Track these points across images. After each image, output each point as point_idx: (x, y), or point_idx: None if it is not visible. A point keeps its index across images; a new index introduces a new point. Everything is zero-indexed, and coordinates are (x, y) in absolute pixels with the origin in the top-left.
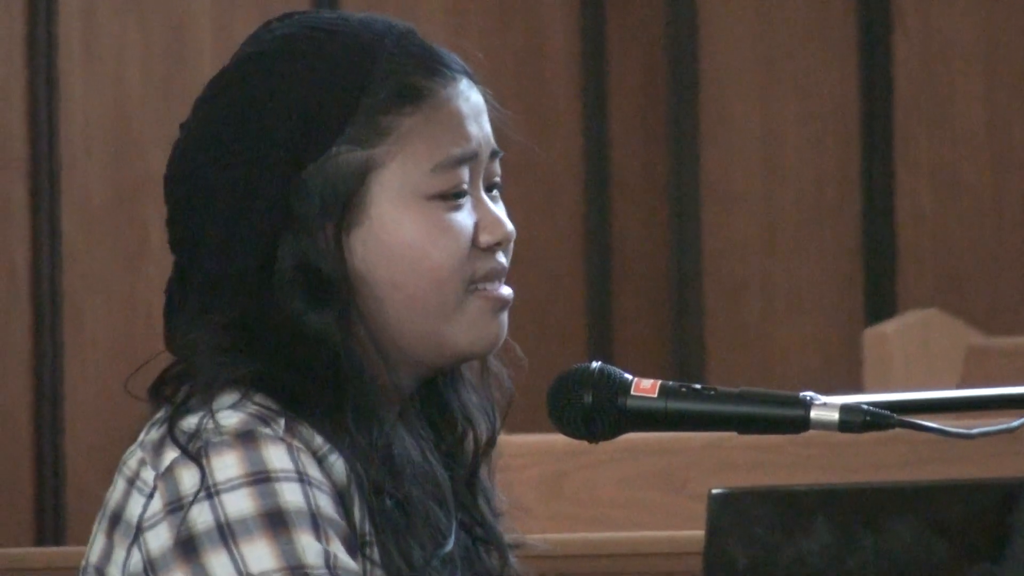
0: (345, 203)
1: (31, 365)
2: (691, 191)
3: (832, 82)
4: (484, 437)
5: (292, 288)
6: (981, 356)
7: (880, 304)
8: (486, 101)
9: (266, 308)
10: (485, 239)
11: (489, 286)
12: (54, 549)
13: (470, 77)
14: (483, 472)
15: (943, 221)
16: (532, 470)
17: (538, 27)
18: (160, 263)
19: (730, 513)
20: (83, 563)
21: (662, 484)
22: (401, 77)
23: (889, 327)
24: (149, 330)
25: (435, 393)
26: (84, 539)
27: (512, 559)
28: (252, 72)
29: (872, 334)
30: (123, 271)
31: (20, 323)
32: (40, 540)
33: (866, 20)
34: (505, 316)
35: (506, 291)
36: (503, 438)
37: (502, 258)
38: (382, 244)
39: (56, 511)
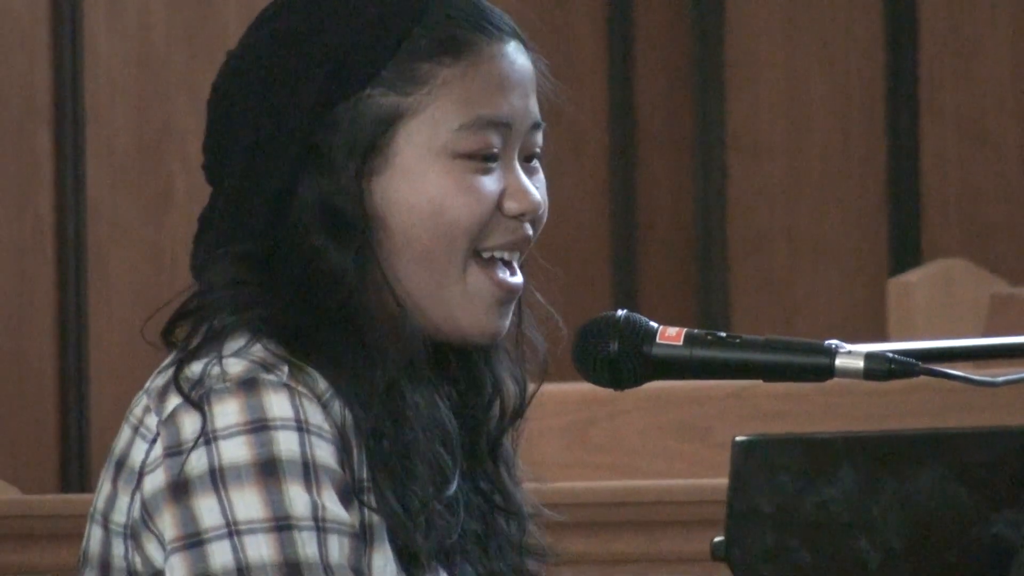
0: (370, 147)
1: (56, 315)
2: (716, 141)
3: (857, 32)
4: (511, 406)
5: (310, 223)
6: (1006, 305)
7: (905, 254)
8: (538, 71)
9: (283, 241)
10: (510, 206)
11: (506, 255)
12: (78, 496)
13: (522, 41)
14: (507, 440)
15: (968, 171)
16: (558, 419)
17: None
18: (184, 213)
19: (754, 461)
20: (91, 510)
21: (687, 432)
22: (446, 27)
23: (914, 276)
24: (173, 280)
25: (466, 356)
26: None
27: (531, 528)
28: (299, 5)
29: (897, 283)
30: (147, 221)
31: (45, 274)
32: (65, 487)
33: None
34: (508, 309)
35: (514, 280)
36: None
37: (528, 230)
38: (401, 194)
39: (80, 459)
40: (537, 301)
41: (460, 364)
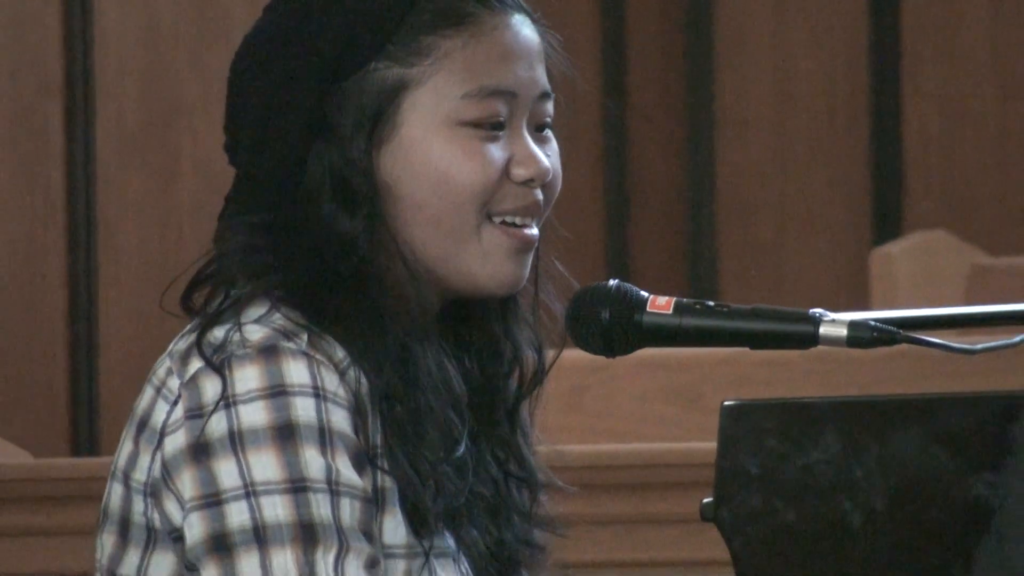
0: (376, 118)
1: (67, 284)
2: (706, 116)
3: (842, 11)
4: (529, 373)
5: (321, 194)
6: (984, 275)
7: (887, 225)
8: (549, 45)
9: (296, 211)
10: (518, 172)
11: (518, 220)
12: (89, 459)
13: (528, 15)
14: (524, 409)
15: (949, 146)
16: (552, 385)
17: None
18: (191, 186)
19: (742, 425)
20: (112, 467)
21: (677, 398)
22: (450, 1)
23: (896, 247)
24: (180, 250)
25: (486, 325)
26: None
27: (542, 497)
28: None
29: (879, 254)
30: (156, 193)
31: (56, 244)
32: (76, 451)
33: None
34: (526, 258)
35: (529, 232)
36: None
37: (539, 195)
38: (409, 162)
39: (90, 424)
40: (556, 270)
41: (480, 332)
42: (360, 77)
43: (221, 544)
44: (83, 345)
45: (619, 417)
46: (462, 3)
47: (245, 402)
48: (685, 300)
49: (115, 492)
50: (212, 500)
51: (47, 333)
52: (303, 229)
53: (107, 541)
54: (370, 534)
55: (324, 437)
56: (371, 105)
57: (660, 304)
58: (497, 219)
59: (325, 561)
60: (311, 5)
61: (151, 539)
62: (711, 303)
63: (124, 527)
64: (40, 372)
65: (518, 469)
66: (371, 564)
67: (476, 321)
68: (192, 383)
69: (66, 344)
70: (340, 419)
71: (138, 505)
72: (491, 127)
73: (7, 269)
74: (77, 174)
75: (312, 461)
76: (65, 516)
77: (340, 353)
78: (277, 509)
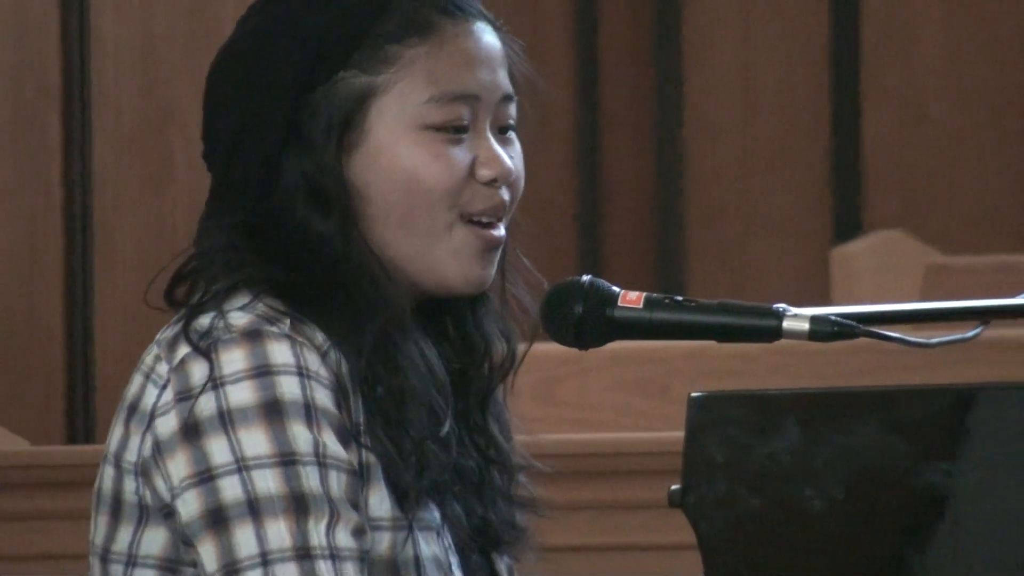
0: (345, 124)
1: (64, 278)
2: (674, 121)
3: (805, 21)
4: (499, 362)
5: (295, 198)
6: (939, 273)
7: (847, 225)
8: (511, 51)
9: (272, 214)
10: (483, 173)
11: (485, 219)
12: (84, 447)
13: (490, 22)
14: (498, 395)
15: (906, 150)
16: (526, 376)
17: None
18: (184, 187)
19: (708, 415)
20: (104, 453)
21: (647, 389)
22: (413, 12)
23: (855, 246)
24: (173, 247)
25: (458, 318)
26: None
27: (521, 479)
28: (278, 1)
29: (839, 253)
30: (150, 194)
31: (54, 241)
32: (71, 439)
33: None
34: (493, 258)
35: (496, 232)
36: None
37: (505, 194)
38: (379, 166)
39: (85, 413)
40: (523, 265)
41: (453, 329)
42: (329, 86)
43: (217, 518)
44: (79, 338)
45: (591, 407)
46: (425, 14)
47: (232, 382)
48: (655, 295)
49: (107, 475)
50: (205, 476)
51: (45, 327)
52: (279, 230)
53: (100, 521)
54: (356, 504)
55: (310, 412)
56: (340, 112)
57: (631, 299)
58: (466, 219)
59: (317, 530)
60: (281, 19)
61: (143, 516)
62: (680, 298)
63: (116, 507)
64: (38, 364)
65: (495, 455)
66: (359, 532)
67: (448, 319)
68: (180, 367)
69: (63, 337)
70: (323, 396)
71: (129, 484)
72: (454, 130)
73: (6, 265)
74: (74, 174)
75: (299, 435)
76: (61, 501)
77: (320, 337)
78: (268, 482)
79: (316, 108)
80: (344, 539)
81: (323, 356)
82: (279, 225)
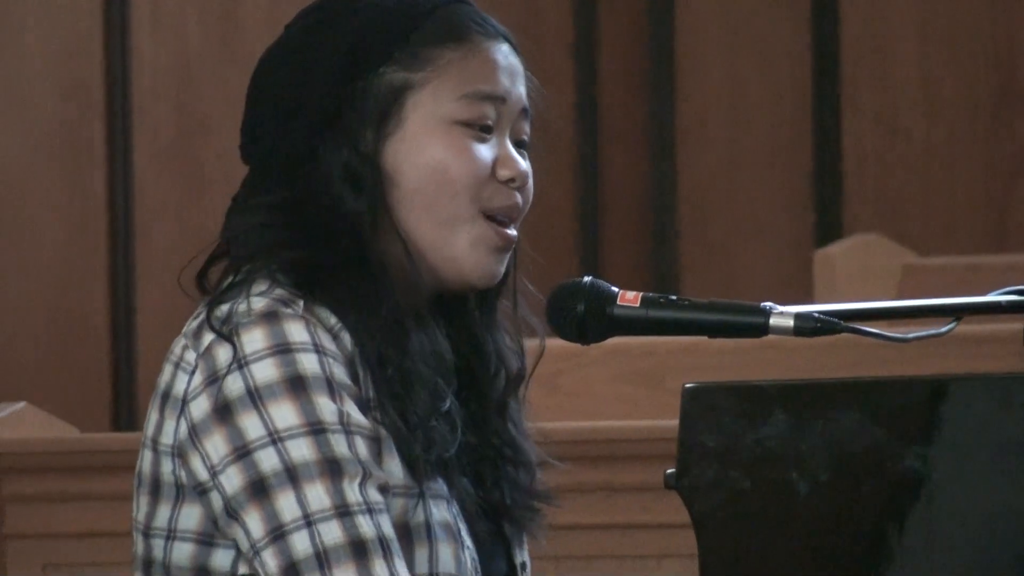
0: (383, 114)
1: (108, 280)
2: (668, 132)
3: (788, 42)
4: (513, 374)
5: (331, 178)
6: (914, 273)
7: (829, 229)
8: (528, 75)
9: (307, 192)
10: (503, 173)
11: (502, 216)
12: (128, 434)
13: (513, 46)
14: (513, 403)
15: (883, 159)
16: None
17: None
18: (217, 194)
19: (701, 404)
20: (143, 438)
21: (644, 381)
22: (451, 22)
23: (836, 249)
24: (208, 250)
25: (472, 335)
26: None
27: (539, 475)
28: (329, 6)
29: (821, 255)
30: (186, 200)
31: (98, 244)
32: (116, 426)
33: None
34: (505, 257)
35: (511, 232)
36: None
37: (518, 197)
38: (411, 154)
39: (129, 402)
40: (528, 289)
41: (464, 332)
42: (371, 79)
43: (259, 488)
44: (122, 334)
45: (592, 398)
46: (462, 25)
47: (255, 361)
48: (651, 295)
49: (146, 458)
50: (243, 452)
51: (92, 323)
52: (313, 208)
53: (142, 501)
54: (378, 466)
55: (331, 385)
56: (379, 103)
57: (629, 298)
58: (486, 215)
59: (352, 488)
60: (327, 20)
61: (179, 495)
62: (674, 297)
63: (155, 487)
64: (86, 357)
65: (512, 454)
66: (385, 489)
67: (460, 323)
68: (207, 353)
69: (108, 332)
70: (340, 372)
71: (167, 466)
72: (481, 128)
73: (56, 267)
74: (117, 183)
75: (324, 406)
76: (107, 483)
77: (333, 319)
78: (303, 450)
79: (355, 98)
80: (375, 494)
81: (335, 337)
82: (312, 202)
